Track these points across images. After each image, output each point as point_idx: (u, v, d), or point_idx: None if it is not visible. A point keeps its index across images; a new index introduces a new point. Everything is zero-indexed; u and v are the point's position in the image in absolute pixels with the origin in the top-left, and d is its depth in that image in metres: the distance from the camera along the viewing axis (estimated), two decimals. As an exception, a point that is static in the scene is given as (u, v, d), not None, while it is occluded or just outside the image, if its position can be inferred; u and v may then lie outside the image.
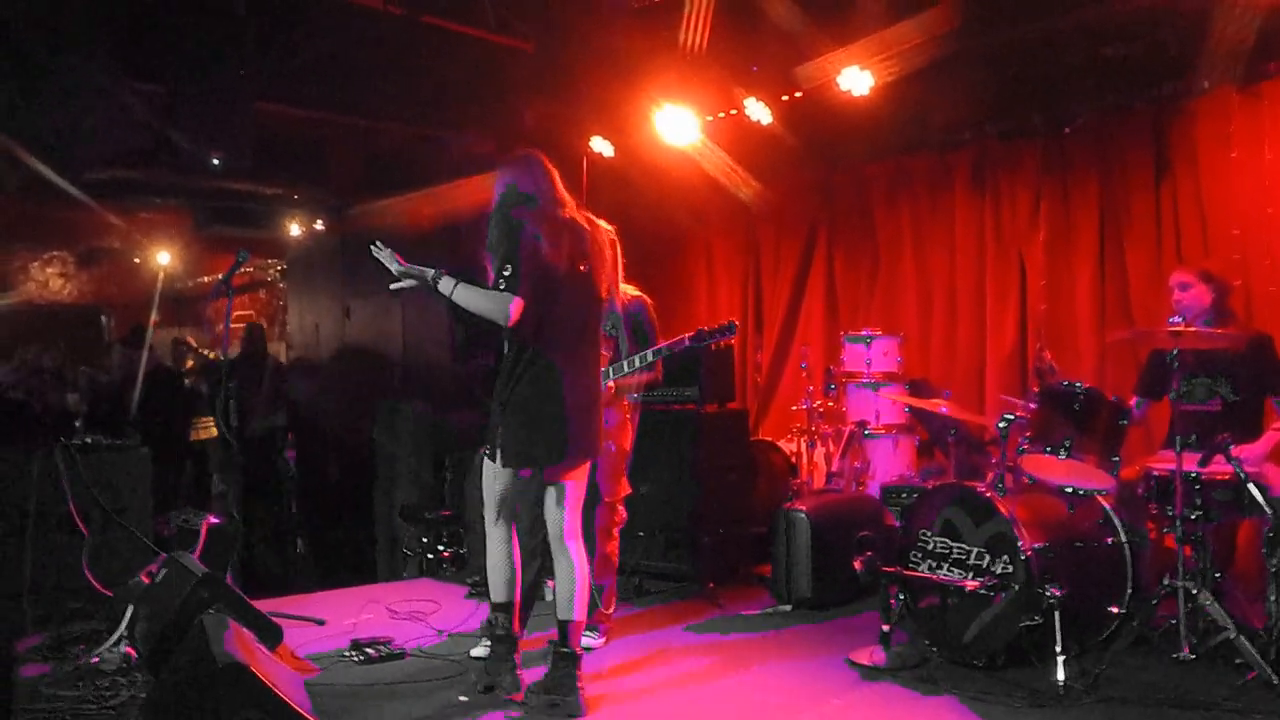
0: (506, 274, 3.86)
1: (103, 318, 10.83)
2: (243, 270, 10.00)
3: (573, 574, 4.06)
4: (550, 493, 4.12)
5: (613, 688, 4.29)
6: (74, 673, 4.27)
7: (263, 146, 7.21)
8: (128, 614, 4.37)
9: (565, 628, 4.03)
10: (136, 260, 10.98)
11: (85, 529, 5.11)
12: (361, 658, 4.67)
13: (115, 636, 4.39)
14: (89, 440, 5.35)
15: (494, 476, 4.07)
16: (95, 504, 5.17)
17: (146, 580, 4.40)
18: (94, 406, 7.45)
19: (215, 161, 6.77)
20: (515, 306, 3.83)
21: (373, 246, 4.17)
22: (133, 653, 4.32)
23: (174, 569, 4.36)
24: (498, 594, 4.13)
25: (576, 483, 4.12)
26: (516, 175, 4.12)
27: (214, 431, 7.70)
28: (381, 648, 4.75)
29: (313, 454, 8.54)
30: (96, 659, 4.35)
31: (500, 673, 4.10)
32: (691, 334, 4.60)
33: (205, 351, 9.15)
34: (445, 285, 3.99)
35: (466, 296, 3.96)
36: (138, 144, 6.82)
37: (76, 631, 4.81)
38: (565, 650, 4.02)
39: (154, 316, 9.97)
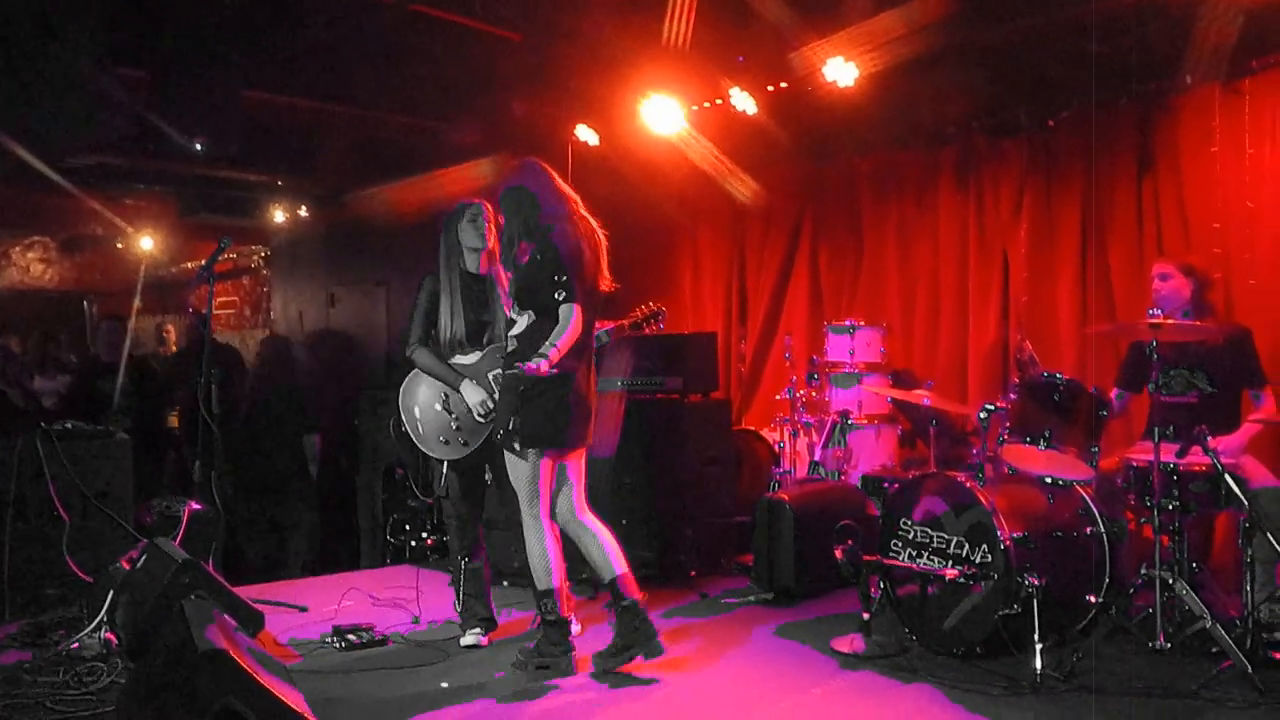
0: (562, 281, 4.11)
1: (85, 303, 10.78)
2: (226, 257, 9.99)
3: (599, 539, 4.34)
4: (564, 473, 4.36)
5: (592, 673, 4.31)
6: (54, 659, 4.26)
7: (249, 134, 7.18)
8: (108, 600, 4.37)
9: (616, 584, 4.29)
10: (120, 246, 10.93)
11: (66, 515, 5.10)
12: (343, 644, 4.67)
13: (95, 622, 4.39)
14: (69, 426, 5.33)
15: (518, 465, 4.24)
16: (76, 490, 5.16)
17: (127, 566, 4.40)
18: (76, 390, 7.42)
19: (199, 147, 6.74)
20: (577, 315, 4.12)
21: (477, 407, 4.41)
22: (113, 639, 4.33)
23: (155, 555, 4.35)
24: (541, 581, 4.27)
25: (580, 463, 4.40)
26: (531, 183, 4.30)
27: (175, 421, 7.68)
28: (363, 634, 4.76)
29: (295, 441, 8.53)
30: (77, 645, 4.35)
31: (554, 655, 4.27)
32: (629, 321, 4.78)
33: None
34: (544, 363, 4.02)
35: (562, 344, 4.08)
36: (122, 130, 6.78)
37: (56, 618, 4.80)
38: (626, 603, 4.27)
39: (137, 303, 9.93)
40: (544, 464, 4.24)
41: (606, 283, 4.35)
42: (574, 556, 4.47)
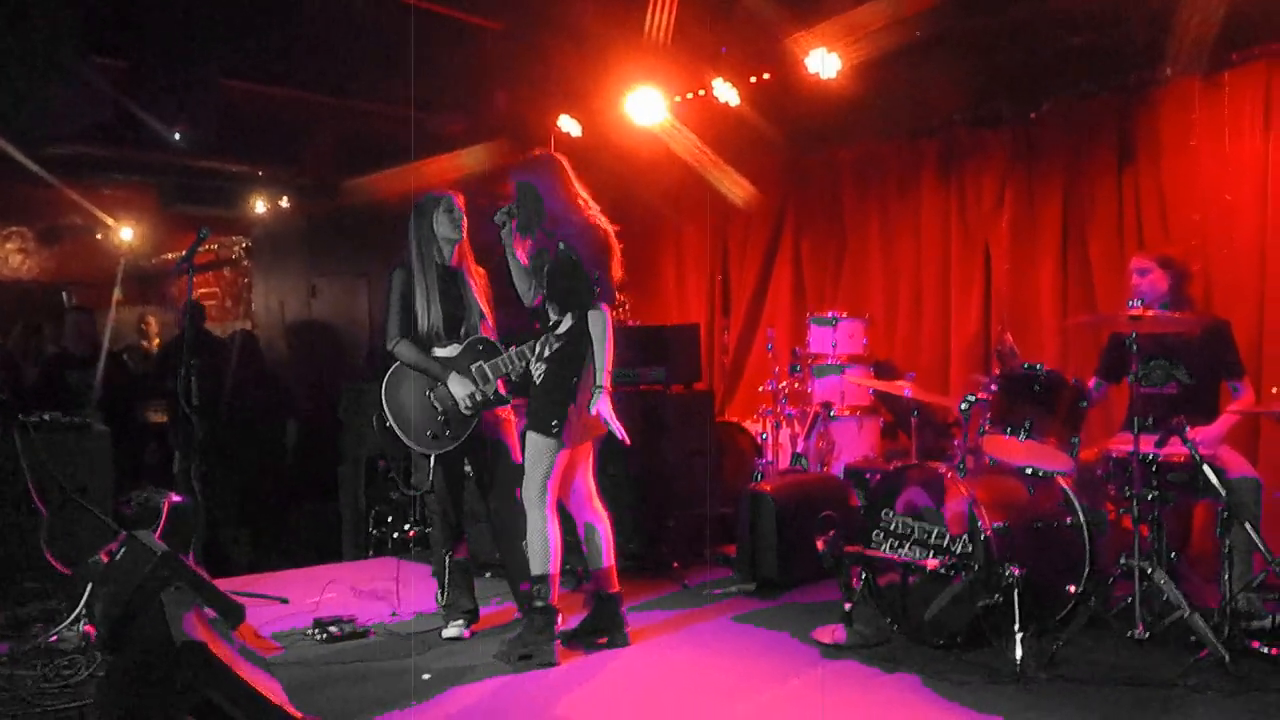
0: (598, 278, 4.26)
1: (64, 295, 10.68)
2: (206, 248, 9.90)
3: (600, 529, 4.55)
4: (585, 460, 4.54)
5: (575, 664, 4.32)
6: (32, 652, 4.24)
7: (229, 123, 7.13)
8: (86, 592, 4.34)
9: (602, 575, 4.53)
10: (99, 237, 10.83)
11: (43, 507, 5.06)
12: (324, 636, 4.66)
13: (74, 615, 4.36)
14: (46, 418, 5.28)
15: (545, 452, 4.30)
16: (53, 482, 5.11)
17: (105, 559, 4.36)
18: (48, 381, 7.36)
19: (177, 137, 6.69)
20: (610, 319, 4.29)
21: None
22: (91, 631, 4.30)
23: (134, 548, 4.31)
24: (537, 566, 4.33)
25: (591, 450, 4.57)
26: (542, 178, 4.40)
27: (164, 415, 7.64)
28: (345, 626, 4.74)
29: (277, 433, 8.50)
30: (55, 638, 4.32)
31: (538, 643, 4.30)
32: None
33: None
34: (600, 391, 4.26)
35: (610, 363, 4.28)
36: (100, 119, 6.72)
37: (35, 610, 4.77)
38: (605, 594, 4.55)
39: (117, 294, 9.85)
40: (561, 453, 4.31)
41: (620, 273, 4.45)
42: (565, 547, 4.50)
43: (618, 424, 4.28)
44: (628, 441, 4.33)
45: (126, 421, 7.42)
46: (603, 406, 4.25)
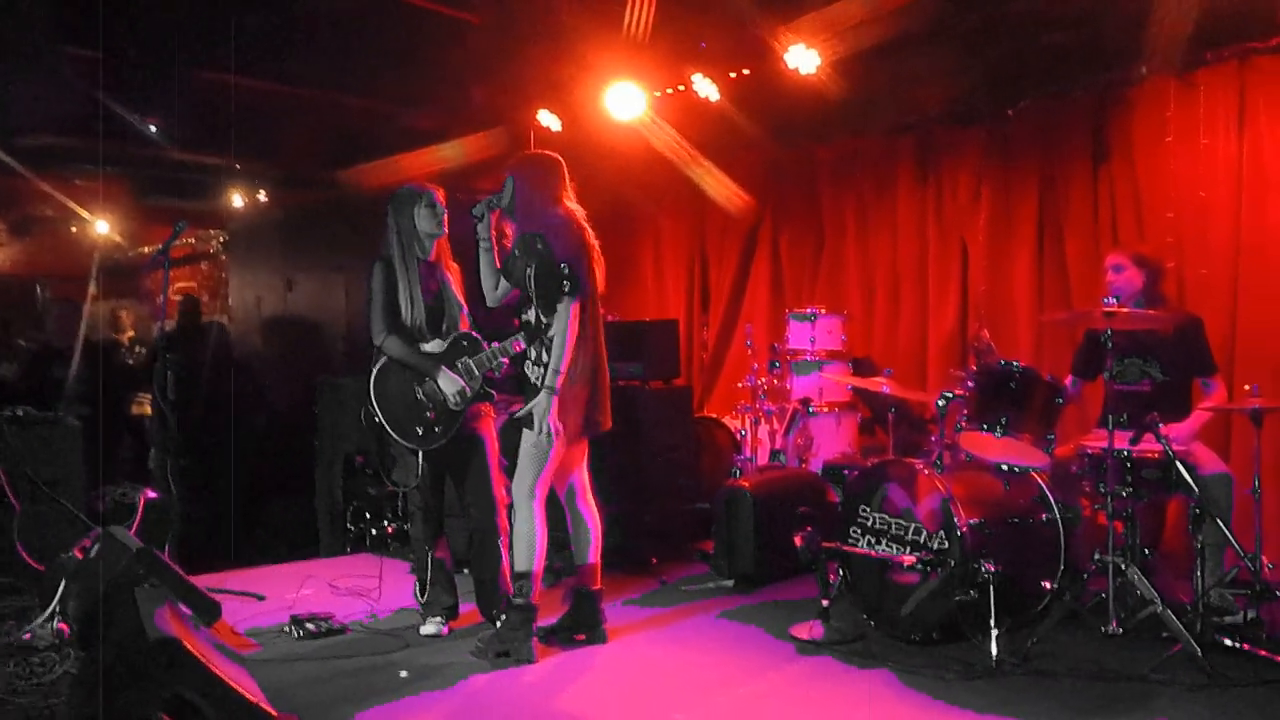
0: (566, 273, 4.19)
1: (38, 288, 10.59)
2: (183, 241, 9.82)
3: (589, 526, 4.58)
4: (581, 457, 4.56)
5: (553, 661, 4.32)
6: (5, 649, 4.20)
7: (206, 116, 7.08)
8: (60, 589, 4.30)
9: (585, 570, 4.56)
10: (73, 230, 10.73)
11: (16, 502, 5.01)
12: (301, 633, 4.64)
13: (47, 612, 4.32)
14: (19, 412, 5.24)
15: (541, 450, 4.28)
16: (25, 477, 5.07)
17: (79, 555, 4.33)
18: (29, 376, 7.30)
19: (153, 129, 6.64)
20: (575, 309, 4.21)
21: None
22: (65, 629, 4.26)
23: (108, 544, 4.28)
24: (521, 562, 4.33)
25: (585, 447, 4.58)
26: (523, 177, 4.42)
27: (149, 409, 7.59)
28: (322, 623, 4.72)
29: (254, 428, 8.45)
30: (28, 635, 4.28)
31: (516, 640, 4.29)
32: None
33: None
34: (549, 393, 4.20)
35: (565, 366, 4.21)
36: (74, 110, 6.65)
37: (8, 607, 4.73)
38: (585, 590, 4.57)
39: (91, 288, 9.76)
40: (555, 452, 4.29)
41: (600, 276, 4.44)
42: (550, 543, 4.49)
43: (556, 424, 4.19)
44: (558, 446, 4.26)
45: (104, 415, 7.37)
46: (545, 409, 4.18)
